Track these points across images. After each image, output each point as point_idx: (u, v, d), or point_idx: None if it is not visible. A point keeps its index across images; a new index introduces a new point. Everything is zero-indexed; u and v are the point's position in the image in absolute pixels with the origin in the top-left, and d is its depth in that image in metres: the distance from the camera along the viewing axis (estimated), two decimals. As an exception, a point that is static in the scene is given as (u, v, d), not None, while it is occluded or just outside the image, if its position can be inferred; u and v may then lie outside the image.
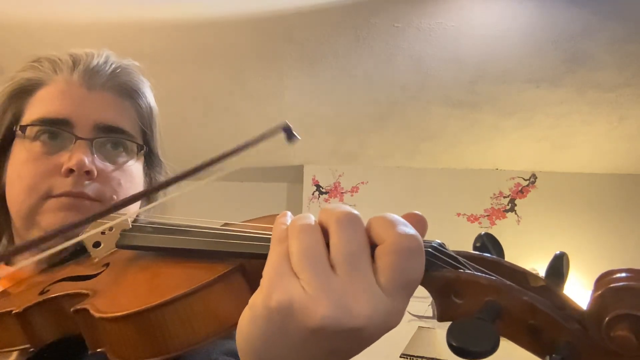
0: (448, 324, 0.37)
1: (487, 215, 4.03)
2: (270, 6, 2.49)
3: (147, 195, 0.71)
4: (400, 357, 3.03)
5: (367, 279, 0.36)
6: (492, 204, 4.05)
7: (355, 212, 0.39)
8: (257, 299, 0.38)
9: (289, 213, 0.44)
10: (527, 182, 4.07)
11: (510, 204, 4.04)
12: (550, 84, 3.01)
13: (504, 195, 4.06)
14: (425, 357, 2.95)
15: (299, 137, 0.55)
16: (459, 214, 4.02)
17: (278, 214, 0.54)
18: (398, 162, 4.11)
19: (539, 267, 3.58)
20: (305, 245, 0.38)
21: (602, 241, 3.84)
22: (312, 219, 0.41)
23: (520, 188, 4.06)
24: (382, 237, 0.38)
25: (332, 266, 0.37)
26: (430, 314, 3.70)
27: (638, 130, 3.43)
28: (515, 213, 4.03)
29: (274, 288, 0.37)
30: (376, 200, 4.05)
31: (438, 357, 2.93)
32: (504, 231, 3.89)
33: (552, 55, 2.74)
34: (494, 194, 4.07)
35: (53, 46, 0.77)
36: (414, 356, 2.99)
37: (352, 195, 4.13)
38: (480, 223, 4.01)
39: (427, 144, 3.81)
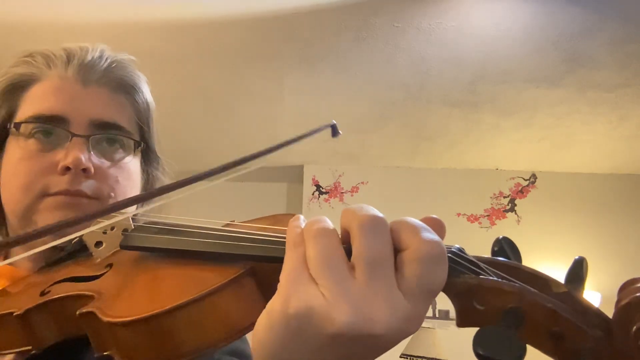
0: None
1: (487, 215, 4.03)
2: (271, 6, 2.49)
3: (150, 198, 0.70)
4: (400, 357, 3.02)
5: (388, 285, 0.36)
6: (492, 204, 4.05)
7: (380, 215, 0.38)
8: (274, 305, 0.38)
9: (302, 217, 0.42)
10: (527, 182, 4.07)
11: (510, 204, 4.04)
12: (550, 84, 3.00)
13: (504, 195, 4.06)
14: (425, 357, 2.95)
15: (342, 133, 0.55)
16: (459, 214, 4.02)
17: (281, 214, 0.53)
18: (398, 162, 4.10)
19: (539, 267, 3.58)
20: (322, 250, 0.37)
21: (602, 241, 3.84)
22: (327, 221, 0.39)
23: (520, 188, 4.06)
24: (406, 243, 0.37)
25: (352, 268, 0.37)
26: (430, 314, 3.70)
27: (638, 130, 3.43)
28: (515, 213, 4.02)
29: (292, 295, 0.36)
30: (376, 200, 4.04)
31: (438, 357, 2.93)
32: (503, 231, 3.88)
33: (552, 55, 2.74)
34: (494, 194, 4.06)
35: (52, 46, 0.75)
36: (414, 356, 2.99)
37: (352, 195, 4.13)
38: (480, 223, 4.01)
39: (427, 144, 3.80)
